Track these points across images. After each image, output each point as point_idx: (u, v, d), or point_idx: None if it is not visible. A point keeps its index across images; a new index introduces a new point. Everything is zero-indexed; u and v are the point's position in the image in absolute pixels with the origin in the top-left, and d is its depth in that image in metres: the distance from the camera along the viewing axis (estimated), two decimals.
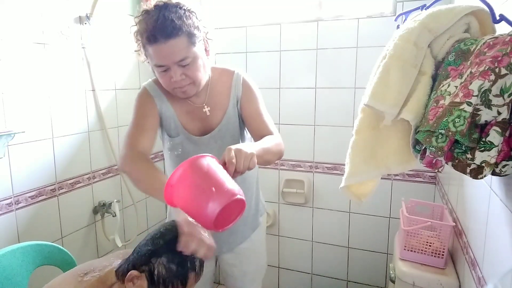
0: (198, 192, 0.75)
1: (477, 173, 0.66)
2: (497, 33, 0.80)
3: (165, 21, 0.97)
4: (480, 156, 0.65)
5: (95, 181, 1.82)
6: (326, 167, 2.05)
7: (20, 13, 1.42)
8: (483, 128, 0.66)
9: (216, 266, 1.43)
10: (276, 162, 1.87)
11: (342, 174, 1.01)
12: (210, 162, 0.79)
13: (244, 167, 0.84)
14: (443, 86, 0.77)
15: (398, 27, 1.09)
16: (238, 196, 0.75)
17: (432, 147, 0.71)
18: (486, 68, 0.64)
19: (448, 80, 0.76)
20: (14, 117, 1.41)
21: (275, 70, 2.06)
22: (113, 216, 1.85)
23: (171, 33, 0.97)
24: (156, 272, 0.74)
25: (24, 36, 1.43)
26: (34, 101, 1.49)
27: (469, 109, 0.65)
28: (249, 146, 0.91)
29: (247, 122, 1.20)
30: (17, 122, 1.41)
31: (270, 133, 1.15)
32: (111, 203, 1.85)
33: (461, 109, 0.66)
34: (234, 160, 0.82)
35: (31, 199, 1.50)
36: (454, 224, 1.30)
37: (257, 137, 1.16)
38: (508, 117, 0.63)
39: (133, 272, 0.75)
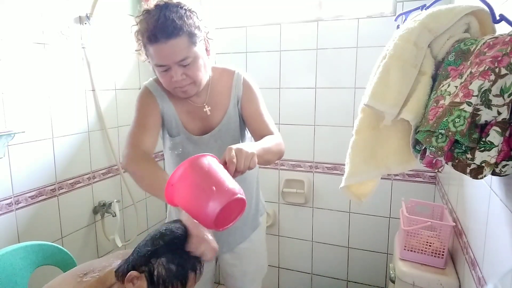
0: (198, 191, 0.75)
1: (477, 173, 0.66)
2: (497, 33, 0.80)
3: (166, 21, 0.97)
4: (480, 156, 0.65)
5: (95, 181, 1.82)
6: (326, 167, 2.05)
7: (20, 13, 1.42)
8: (483, 128, 0.66)
9: (216, 266, 1.43)
10: (276, 162, 1.87)
11: (342, 174, 1.01)
12: (211, 162, 0.80)
13: (245, 166, 0.84)
14: (443, 86, 0.77)
15: (398, 27, 1.09)
16: (239, 196, 0.75)
17: (432, 147, 0.71)
18: (486, 68, 0.64)
19: (448, 80, 0.76)
20: (14, 117, 1.41)
21: (275, 70, 2.06)
22: (113, 216, 1.85)
23: (172, 33, 0.97)
24: (155, 273, 0.74)
25: (24, 36, 1.43)
26: (34, 101, 1.49)
27: (469, 109, 0.65)
28: (249, 145, 0.91)
29: (248, 122, 1.20)
30: (17, 122, 1.41)
31: (271, 133, 1.15)
32: (111, 203, 1.85)
33: (461, 109, 0.66)
34: (234, 160, 0.83)
35: (31, 199, 1.50)
36: (454, 224, 1.30)
37: (257, 137, 1.16)
38: (508, 117, 0.63)
39: (133, 273, 0.74)
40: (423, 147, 0.81)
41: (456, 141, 0.68)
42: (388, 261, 2.02)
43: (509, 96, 0.62)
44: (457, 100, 0.67)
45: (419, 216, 1.43)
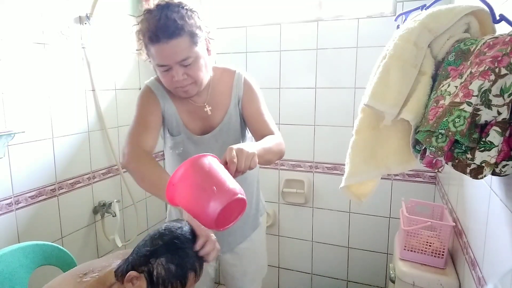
0: (199, 191, 0.75)
1: (477, 173, 0.66)
2: (497, 33, 0.80)
3: (167, 21, 0.97)
4: (480, 156, 0.65)
5: (95, 181, 1.82)
6: (326, 167, 2.05)
7: (20, 13, 1.42)
8: (483, 128, 0.66)
9: (217, 266, 1.43)
10: (276, 162, 1.87)
11: (342, 174, 1.01)
12: (212, 162, 0.80)
13: (245, 166, 0.85)
14: (443, 86, 0.77)
15: (398, 27, 1.09)
16: (239, 196, 0.75)
17: (432, 147, 0.71)
18: (486, 68, 0.64)
19: (448, 80, 0.76)
20: (14, 117, 1.41)
21: (275, 70, 2.06)
22: (113, 216, 1.85)
23: (173, 33, 0.97)
24: (155, 273, 0.74)
25: (24, 36, 1.43)
26: (34, 101, 1.49)
27: (469, 109, 0.65)
28: (250, 145, 0.91)
29: (248, 122, 1.21)
30: (17, 122, 1.41)
31: (271, 133, 1.15)
32: (111, 203, 1.85)
33: (461, 109, 0.66)
34: (235, 160, 0.83)
35: (31, 199, 1.50)
36: (454, 224, 1.30)
37: (258, 136, 1.16)
38: (508, 117, 0.63)
39: (132, 273, 0.74)
40: (423, 147, 0.81)
41: (456, 141, 0.68)
42: (388, 261, 2.02)
43: (509, 96, 0.62)
44: (457, 100, 0.67)
45: (419, 216, 1.43)
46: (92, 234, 1.83)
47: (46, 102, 1.54)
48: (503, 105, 0.63)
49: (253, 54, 2.09)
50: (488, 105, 0.63)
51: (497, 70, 0.62)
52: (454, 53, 0.78)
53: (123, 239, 1.97)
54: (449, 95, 0.72)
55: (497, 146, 0.63)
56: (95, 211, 1.82)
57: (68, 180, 1.67)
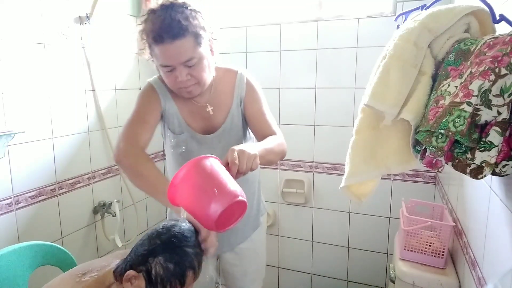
0: (200, 193, 0.76)
1: (477, 173, 0.66)
2: (497, 33, 0.80)
3: (172, 22, 0.97)
4: (480, 156, 0.65)
5: (95, 181, 1.82)
6: (326, 167, 2.05)
7: (20, 13, 1.42)
8: (483, 128, 0.66)
9: (217, 266, 1.43)
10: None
11: (342, 174, 1.01)
12: (213, 163, 0.80)
13: (247, 168, 0.85)
14: (443, 86, 0.77)
15: (398, 27, 1.09)
16: (240, 198, 0.76)
17: (432, 147, 0.71)
18: (486, 68, 0.64)
19: (448, 80, 0.76)
20: (14, 117, 1.41)
21: (275, 70, 2.06)
22: (113, 216, 1.85)
23: (178, 33, 0.97)
24: (153, 272, 0.74)
25: (24, 36, 1.43)
26: (34, 101, 1.49)
27: (469, 109, 0.65)
28: (252, 146, 0.91)
29: (250, 122, 1.21)
30: (17, 122, 1.41)
31: (273, 133, 1.15)
32: (111, 203, 1.85)
33: (461, 109, 0.66)
34: (237, 161, 0.83)
35: (31, 199, 1.50)
36: (454, 224, 1.30)
37: (260, 137, 1.16)
38: (508, 117, 0.63)
39: (131, 272, 0.74)
40: (423, 147, 0.81)
41: (456, 141, 0.68)
42: (388, 261, 2.02)
43: (509, 96, 0.62)
44: (457, 100, 0.67)
45: (419, 216, 1.43)
46: (92, 234, 1.83)
47: (46, 102, 1.54)
48: (503, 105, 0.63)
49: (253, 54, 2.09)
50: (488, 105, 0.63)
51: (497, 70, 0.62)
52: (454, 53, 0.78)
53: (123, 239, 1.97)
54: (449, 95, 0.72)
55: (497, 146, 0.63)
56: (95, 211, 1.82)
57: (68, 180, 1.67)
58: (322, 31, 1.94)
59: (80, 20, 1.69)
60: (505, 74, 0.61)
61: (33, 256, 1.18)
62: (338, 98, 1.95)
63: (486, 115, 0.64)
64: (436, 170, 0.94)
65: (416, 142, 0.84)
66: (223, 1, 2.16)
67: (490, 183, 0.94)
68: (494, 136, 0.63)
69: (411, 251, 1.34)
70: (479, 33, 0.84)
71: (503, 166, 0.65)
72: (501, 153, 0.64)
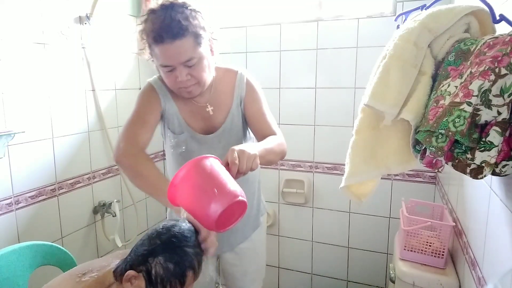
0: (200, 193, 0.76)
1: (477, 173, 0.66)
2: (497, 33, 0.80)
3: (172, 22, 0.97)
4: (480, 156, 0.65)
5: (95, 181, 1.82)
6: (326, 167, 2.05)
7: (20, 13, 1.42)
8: (483, 128, 0.66)
9: (217, 266, 1.43)
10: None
11: (342, 174, 1.01)
12: (213, 163, 0.80)
13: (247, 168, 0.85)
14: (443, 86, 0.77)
15: (398, 27, 1.09)
16: (240, 198, 0.76)
17: (432, 147, 0.71)
18: (486, 68, 0.64)
19: (448, 80, 0.76)
20: (14, 117, 1.41)
21: (275, 70, 2.06)
22: (113, 216, 1.85)
23: (178, 33, 0.97)
24: (153, 272, 0.74)
25: (24, 36, 1.43)
26: (34, 101, 1.49)
27: (469, 109, 0.65)
28: (252, 146, 0.91)
29: (250, 122, 1.21)
30: (17, 122, 1.41)
31: (273, 133, 1.15)
32: (111, 203, 1.85)
33: (461, 109, 0.66)
34: (237, 161, 0.83)
35: (31, 199, 1.50)
36: (454, 224, 1.30)
37: (260, 137, 1.16)
38: (508, 117, 0.63)
39: (131, 272, 0.74)
40: (423, 147, 0.81)
41: (456, 141, 0.68)
42: (388, 261, 2.02)
43: (509, 96, 0.62)
44: (457, 100, 0.67)
45: (419, 216, 1.43)
46: (92, 234, 1.83)
47: (46, 102, 1.54)
48: (503, 105, 0.63)
49: (253, 54, 2.09)
50: (488, 105, 0.63)
51: (497, 70, 0.62)
52: (454, 53, 0.78)
53: (123, 239, 1.97)
54: (449, 95, 0.72)
55: (497, 146, 0.63)
56: (95, 211, 1.82)
57: (68, 180, 1.67)
58: (322, 31, 1.94)
59: (80, 20, 1.69)
60: (505, 74, 0.61)
61: (33, 256, 1.18)
62: (338, 98, 1.95)
63: (486, 115, 0.64)
64: (436, 170, 0.94)
65: (416, 142, 0.84)
66: (223, 1, 2.16)
67: (490, 183, 0.94)
68: (494, 136, 0.63)
69: (411, 251, 1.34)
70: (479, 33, 0.84)
71: (503, 166, 0.65)
72: (501, 153, 0.64)
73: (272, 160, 1.06)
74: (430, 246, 1.32)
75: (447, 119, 0.68)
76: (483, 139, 0.65)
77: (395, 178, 1.92)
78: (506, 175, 0.66)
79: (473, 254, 1.08)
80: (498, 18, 0.76)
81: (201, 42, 1.02)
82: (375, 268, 2.05)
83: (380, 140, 0.94)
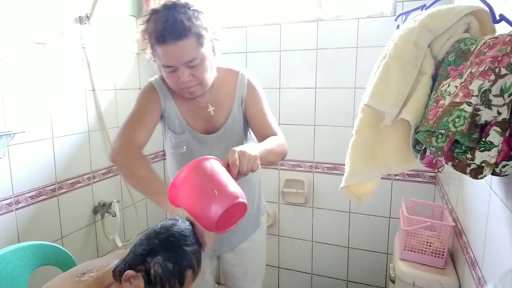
0: (201, 194, 0.77)
1: (477, 173, 0.66)
2: (497, 33, 0.80)
3: (175, 22, 0.96)
4: (480, 156, 0.65)
5: (95, 181, 1.82)
6: (326, 167, 2.05)
7: (20, 13, 1.42)
8: (483, 128, 0.66)
9: (217, 266, 1.43)
10: None
11: (342, 174, 1.01)
12: (214, 165, 0.81)
13: (248, 169, 0.85)
14: (443, 86, 0.77)
15: (398, 27, 1.09)
16: (240, 200, 0.76)
17: (432, 147, 0.71)
18: (486, 68, 0.64)
19: (448, 80, 0.76)
20: (14, 117, 1.41)
21: (275, 70, 2.06)
22: (113, 216, 1.85)
23: (181, 34, 0.97)
24: (152, 272, 0.74)
25: (24, 36, 1.43)
26: (34, 101, 1.49)
27: (469, 109, 0.65)
28: (252, 147, 0.91)
29: (251, 123, 1.21)
30: (17, 122, 1.41)
31: (274, 134, 1.15)
32: (111, 203, 1.85)
33: (461, 109, 0.66)
34: (237, 162, 0.83)
35: (31, 199, 1.50)
36: (454, 224, 1.30)
37: (260, 137, 1.16)
38: (508, 117, 0.63)
39: (129, 272, 0.74)
40: (423, 147, 0.81)
41: (456, 141, 0.68)
42: (388, 261, 2.02)
43: (509, 96, 0.62)
44: (457, 100, 0.67)
45: (419, 216, 1.43)
46: (92, 234, 1.83)
47: (46, 102, 1.54)
48: (503, 105, 0.63)
49: (253, 54, 2.09)
50: (488, 105, 0.63)
51: (497, 70, 0.62)
52: (454, 53, 0.78)
53: (123, 239, 1.97)
54: (449, 95, 0.72)
55: (497, 146, 0.63)
56: (95, 211, 1.82)
57: (68, 180, 1.67)
58: (322, 31, 1.94)
59: (80, 20, 1.69)
60: (505, 74, 0.61)
61: (33, 256, 1.18)
62: (338, 98, 1.95)
63: (486, 115, 0.64)
64: (436, 170, 0.94)
65: (416, 142, 0.84)
66: (223, 1, 2.16)
67: (490, 183, 0.94)
68: (494, 136, 0.63)
69: (411, 251, 1.34)
70: (479, 33, 0.84)
71: (503, 166, 0.65)
72: (501, 153, 0.64)
73: (273, 160, 1.06)
74: (430, 246, 1.32)
75: (447, 119, 0.68)
76: (483, 139, 0.65)
77: (395, 178, 1.92)
78: (506, 175, 0.66)
79: (473, 254, 1.08)
80: (498, 18, 0.77)
81: (203, 42, 1.02)
82: (375, 268, 2.05)
83: (380, 140, 0.94)
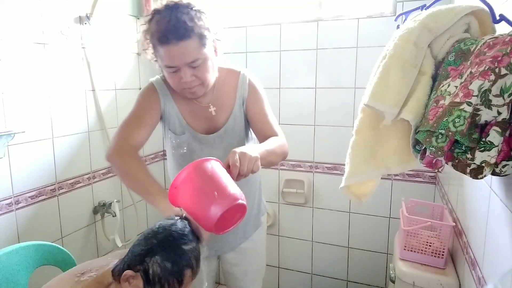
0: (201, 195, 0.77)
1: (477, 173, 0.66)
2: (497, 33, 0.80)
3: (177, 23, 0.96)
4: (480, 156, 0.65)
5: (95, 181, 1.82)
6: (326, 167, 2.05)
7: (20, 13, 1.42)
8: (483, 128, 0.66)
9: (218, 266, 1.43)
10: None
11: (342, 174, 1.01)
12: (214, 166, 0.81)
13: (248, 170, 0.85)
14: (443, 86, 0.77)
15: (398, 27, 1.09)
16: (240, 201, 0.77)
17: (432, 147, 0.71)
18: (486, 68, 0.64)
19: (448, 80, 0.76)
20: (14, 117, 1.41)
21: (275, 70, 2.06)
22: (113, 216, 1.85)
23: (183, 35, 0.97)
24: (151, 271, 0.74)
25: (24, 36, 1.43)
26: (34, 101, 1.49)
27: (469, 109, 0.65)
28: (253, 148, 0.91)
29: (252, 123, 1.20)
30: (17, 122, 1.41)
31: (275, 134, 1.15)
32: (111, 203, 1.85)
33: (461, 109, 0.66)
34: (238, 164, 0.84)
35: (31, 199, 1.50)
36: (454, 224, 1.30)
37: (261, 137, 1.16)
38: (508, 117, 0.63)
39: (128, 272, 0.74)
40: (423, 147, 0.81)
41: (456, 141, 0.68)
42: (388, 261, 2.02)
43: (509, 96, 0.62)
44: (457, 100, 0.67)
45: (419, 216, 1.43)
46: (92, 234, 1.83)
47: (46, 102, 1.54)
48: (503, 105, 0.63)
49: (253, 54, 2.09)
50: (488, 105, 0.63)
51: (497, 70, 0.62)
52: (454, 53, 0.78)
53: (123, 239, 1.97)
54: (449, 95, 0.72)
55: (497, 146, 0.63)
56: (95, 211, 1.82)
57: (68, 180, 1.68)
58: (322, 31, 1.94)
59: (80, 20, 1.69)
60: (505, 74, 0.61)
61: (33, 256, 1.18)
62: (338, 98, 1.95)
63: (486, 115, 0.64)
64: (436, 170, 0.94)
65: (416, 142, 0.84)
66: (223, 1, 2.16)
67: (490, 183, 0.94)
68: (494, 136, 0.63)
69: (411, 251, 1.34)
70: (479, 33, 0.84)
71: (503, 166, 0.65)
72: (501, 153, 0.64)
73: (274, 161, 1.06)
74: (430, 246, 1.32)
75: (447, 119, 0.68)
76: (483, 139, 0.65)
77: (395, 178, 1.92)
78: (506, 175, 0.66)
79: (473, 254, 1.08)
80: (498, 18, 0.77)
81: (205, 43, 1.02)
82: (375, 268, 2.05)
83: (380, 140, 0.94)
